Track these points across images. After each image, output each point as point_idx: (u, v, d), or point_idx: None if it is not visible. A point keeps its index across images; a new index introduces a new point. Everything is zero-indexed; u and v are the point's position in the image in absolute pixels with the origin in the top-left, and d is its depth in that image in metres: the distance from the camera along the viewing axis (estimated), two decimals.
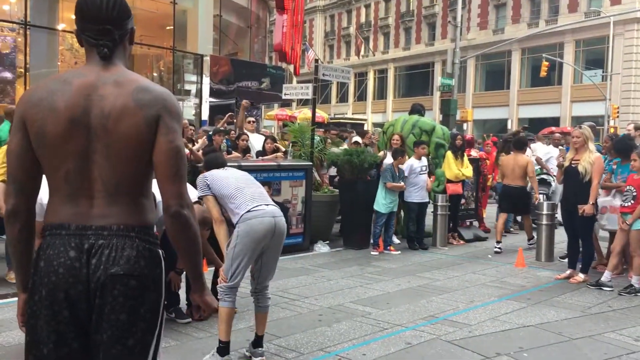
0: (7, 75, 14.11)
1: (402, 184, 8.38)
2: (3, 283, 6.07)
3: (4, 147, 6.13)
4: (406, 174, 8.56)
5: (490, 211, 11.22)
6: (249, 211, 4.05)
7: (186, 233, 1.93)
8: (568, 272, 7.07)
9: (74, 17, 1.97)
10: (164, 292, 1.96)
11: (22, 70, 14.13)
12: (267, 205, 4.15)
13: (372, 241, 8.55)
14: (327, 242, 8.78)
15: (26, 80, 14.03)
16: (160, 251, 1.97)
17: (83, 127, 1.85)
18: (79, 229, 1.85)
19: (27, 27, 13.86)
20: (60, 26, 15.82)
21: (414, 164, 8.69)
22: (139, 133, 1.86)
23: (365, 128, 25.22)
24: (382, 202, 8.29)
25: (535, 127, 31.79)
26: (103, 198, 1.88)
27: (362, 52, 50.48)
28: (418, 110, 10.04)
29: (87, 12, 1.91)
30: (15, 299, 5.40)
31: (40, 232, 1.93)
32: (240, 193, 4.16)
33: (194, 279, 2.08)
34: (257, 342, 4.28)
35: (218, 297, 4.21)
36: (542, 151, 11.33)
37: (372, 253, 8.31)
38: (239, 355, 4.33)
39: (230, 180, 4.25)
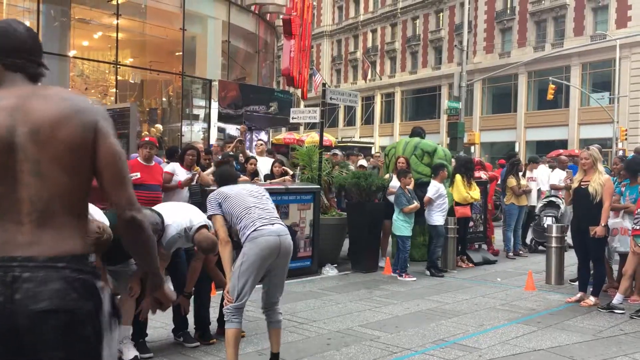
0: None
1: (417, 203, 8.36)
2: None
3: None
4: (433, 197, 8.54)
5: (499, 234, 11.15)
6: (255, 230, 4.12)
7: (142, 236, 1.93)
8: (579, 295, 6.99)
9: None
10: (103, 322, 1.81)
11: None
12: (273, 224, 4.20)
13: (399, 268, 8.31)
14: (335, 265, 8.75)
15: None
16: (96, 281, 1.83)
17: (7, 148, 1.75)
18: (4, 260, 1.72)
19: None
20: (72, 53, 16.09)
21: (440, 187, 8.68)
22: (78, 138, 1.79)
23: (373, 152, 25.26)
24: (405, 226, 8.27)
25: (543, 149, 31.80)
26: (32, 222, 1.76)
27: (369, 76, 50.84)
28: (419, 133, 10.09)
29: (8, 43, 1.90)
30: None
31: None
32: (247, 213, 4.23)
33: (152, 274, 2.09)
34: (274, 357, 4.35)
35: (225, 319, 4.21)
36: (556, 177, 11.32)
37: (405, 279, 8.17)
38: None
39: (240, 198, 4.33)
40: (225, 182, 4.60)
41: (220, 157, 8.93)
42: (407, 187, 8.40)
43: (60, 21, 15.52)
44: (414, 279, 8.19)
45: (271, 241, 4.10)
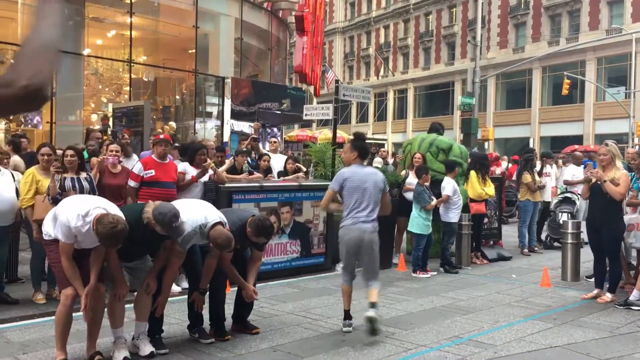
0: None
1: (435, 200, 8.32)
2: (29, 304, 6.14)
3: (30, 171, 6.26)
4: (451, 194, 8.51)
5: (509, 230, 11.08)
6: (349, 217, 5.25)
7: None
8: (595, 291, 6.94)
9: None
10: None
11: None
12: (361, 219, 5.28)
13: (413, 265, 8.31)
14: None
15: (53, 105, 14.33)
16: None
17: None
18: None
19: None
20: (86, 51, 16.19)
21: (455, 184, 8.63)
22: None
23: (385, 148, 25.17)
24: (424, 224, 8.23)
25: (558, 145, 31.52)
26: None
27: (381, 73, 50.71)
28: (437, 129, 10.02)
29: None
30: (42, 319, 5.48)
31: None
32: (355, 204, 5.25)
33: None
34: (372, 305, 5.22)
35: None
36: (569, 173, 11.26)
37: (419, 275, 8.16)
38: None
39: (359, 188, 5.24)
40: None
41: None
42: (425, 184, 8.35)
43: (74, 20, 15.61)
44: (428, 275, 8.17)
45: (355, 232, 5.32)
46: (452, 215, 8.59)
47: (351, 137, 5.71)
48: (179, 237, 4.39)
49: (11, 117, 15.00)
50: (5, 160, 6.71)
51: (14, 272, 7.10)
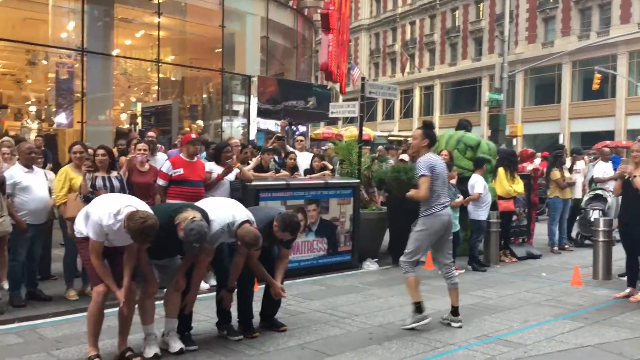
0: (66, 100, 14.71)
1: (461, 197, 8.25)
2: (62, 301, 6.27)
3: (64, 169, 6.39)
4: (482, 192, 8.43)
5: (539, 227, 10.92)
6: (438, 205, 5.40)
7: None
8: (627, 290, 6.81)
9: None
10: None
11: (79, 95, 14.71)
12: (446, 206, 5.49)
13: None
14: (376, 259, 8.73)
15: (83, 105, 14.59)
16: None
17: None
18: None
19: (84, 53, 14.45)
20: (115, 52, 16.44)
21: (484, 181, 8.54)
22: None
23: None
24: (453, 222, 8.18)
25: (588, 141, 30.95)
26: None
27: (407, 69, 50.36)
28: (465, 126, 9.92)
29: None
30: (75, 315, 5.59)
31: None
32: (440, 190, 5.44)
33: None
34: (454, 311, 5.53)
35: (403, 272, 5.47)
36: (599, 170, 11.07)
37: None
38: None
39: (441, 175, 5.46)
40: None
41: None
42: (451, 181, 8.28)
43: (103, 21, 15.87)
44: (456, 273, 8.08)
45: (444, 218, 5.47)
46: (481, 213, 8.51)
47: (421, 125, 5.82)
48: (193, 249, 4.43)
49: (42, 117, 15.33)
50: (38, 160, 6.85)
51: (47, 269, 7.26)
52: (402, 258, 5.55)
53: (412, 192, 5.64)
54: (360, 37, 58.91)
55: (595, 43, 32.99)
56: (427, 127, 5.69)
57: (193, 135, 7.31)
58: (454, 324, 5.50)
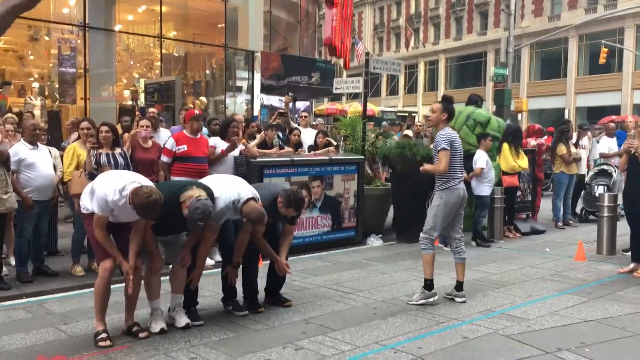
0: (68, 76, 14.65)
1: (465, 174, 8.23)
2: (68, 276, 6.33)
3: (72, 145, 6.41)
4: (484, 167, 8.41)
5: (544, 202, 10.90)
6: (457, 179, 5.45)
7: None
8: (631, 265, 6.82)
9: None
10: None
11: (82, 71, 14.63)
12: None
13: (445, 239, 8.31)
14: (380, 235, 8.76)
15: (86, 81, 14.52)
16: None
17: None
18: None
19: (86, 29, 14.33)
20: (117, 27, 16.29)
21: (487, 157, 8.52)
22: None
23: (417, 121, 24.86)
24: None
25: (594, 116, 30.75)
26: None
27: (412, 44, 49.86)
28: (475, 101, 9.81)
29: None
30: (81, 290, 5.65)
31: None
32: (458, 165, 5.47)
33: None
34: (459, 286, 5.59)
35: (421, 247, 5.52)
36: (604, 145, 11.02)
37: (448, 249, 8.13)
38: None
39: (459, 149, 5.47)
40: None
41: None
42: None
43: None
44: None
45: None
46: (484, 189, 8.51)
47: (440, 99, 5.81)
48: (197, 227, 4.43)
49: (46, 94, 15.27)
50: (42, 137, 6.85)
51: (54, 245, 7.32)
52: (422, 234, 5.53)
53: (429, 166, 5.65)
54: (364, 11, 58.25)
55: (602, 16, 32.55)
56: (447, 101, 5.70)
57: (196, 112, 7.28)
58: (457, 299, 5.53)
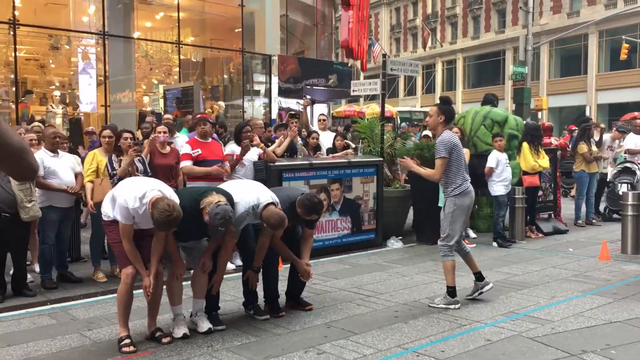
0: (88, 83, 14.84)
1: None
2: (92, 282, 6.40)
3: (93, 152, 6.49)
4: (493, 167, 8.36)
5: (566, 202, 10.77)
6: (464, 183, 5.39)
7: None
8: None
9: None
10: None
11: (102, 78, 14.82)
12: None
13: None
14: (400, 237, 8.72)
15: (106, 88, 14.70)
16: None
17: None
18: None
19: (106, 36, 14.51)
20: (136, 34, 16.48)
21: (499, 156, 8.47)
22: None
23: None
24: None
25: (616, 113, 30.28)
26: None
27: (429, 44, 49.59)
28: (491, 100, 9.75)
29: None
30: (105, 296, 5.70)
31: None
32: (464, 168, 5.43)
33: None
34: (479, 277, 5.61)
35: (441, 254, 5.42)
36: (631, 142, 10.84)
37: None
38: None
39: (461, 153, 5.44)
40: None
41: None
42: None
43: (123, 3, 15.90)
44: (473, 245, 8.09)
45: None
46: (498, 188, 8.44)
47: (437, 101, 5.80)
48: (218, 233, 4.44)
49: (67, 102, 15.49)
50: (64, 145, 6.95)
51: (77, 251, 7.41)
52: (440, 242, 5.49)
53: (424, 171, 5.66)
54: (380, 12, 58.12)
55: (622, 12, 32.07)
56: (444, 102, 5.60)
57: (198, 116, 7.31)
58: (486, 288, 5.57)
